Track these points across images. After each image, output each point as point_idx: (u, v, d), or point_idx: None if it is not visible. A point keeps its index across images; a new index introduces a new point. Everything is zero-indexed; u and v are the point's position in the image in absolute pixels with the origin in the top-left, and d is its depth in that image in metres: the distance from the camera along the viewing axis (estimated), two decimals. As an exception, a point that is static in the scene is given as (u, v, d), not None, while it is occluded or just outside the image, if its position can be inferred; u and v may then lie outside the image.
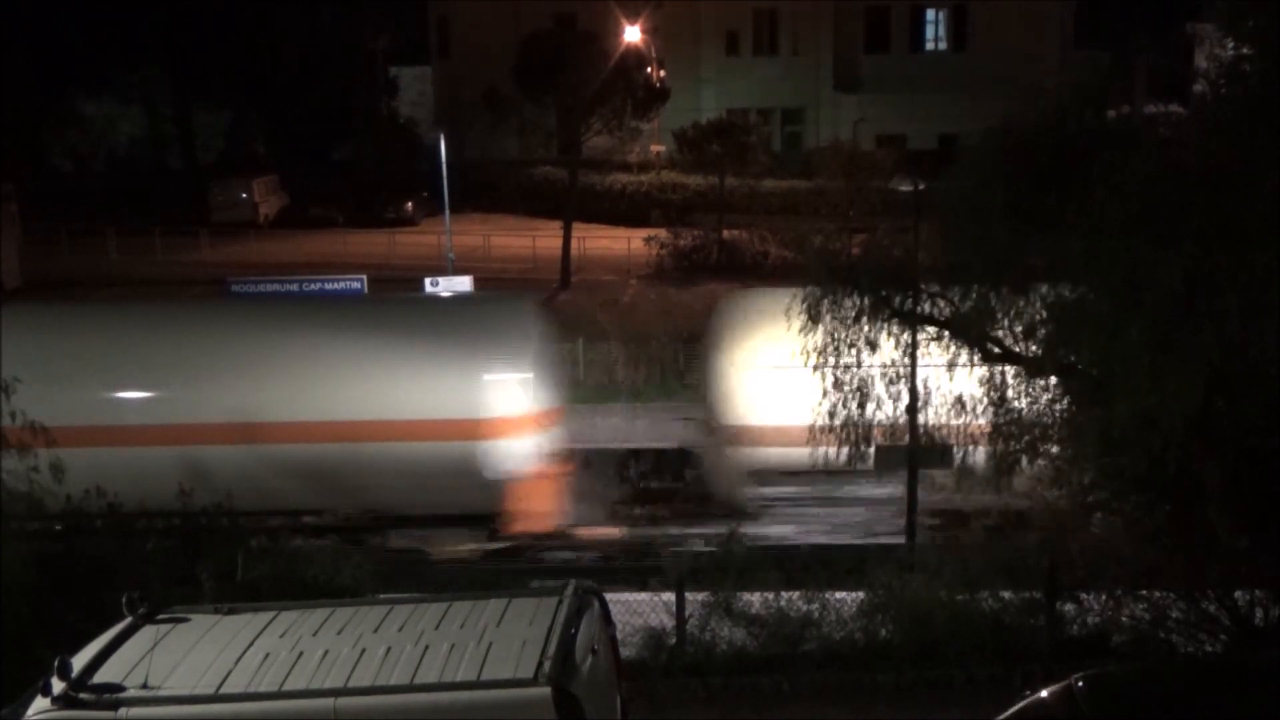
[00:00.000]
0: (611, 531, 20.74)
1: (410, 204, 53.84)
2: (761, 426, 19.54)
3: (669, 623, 12.52)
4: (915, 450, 14.81)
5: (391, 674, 7.80)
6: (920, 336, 13.81)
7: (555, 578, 12.21)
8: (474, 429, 19.21)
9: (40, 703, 7.65)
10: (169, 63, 67.43)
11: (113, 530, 13.10)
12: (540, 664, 7.69)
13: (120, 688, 7.73)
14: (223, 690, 7.74)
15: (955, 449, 13.99)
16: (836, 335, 13.42)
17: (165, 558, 12.43)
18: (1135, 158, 10.71)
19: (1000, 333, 12.29)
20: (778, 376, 19.02)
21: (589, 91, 41.88)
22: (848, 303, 13.25)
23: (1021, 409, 12.22)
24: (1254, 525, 11.01)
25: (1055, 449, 12.08)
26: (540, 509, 19.58)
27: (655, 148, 52.51)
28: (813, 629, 12.64)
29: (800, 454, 18.73)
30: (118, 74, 68.21)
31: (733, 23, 56.31)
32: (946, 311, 13.11)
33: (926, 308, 13.27)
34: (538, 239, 45.83)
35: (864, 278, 13.23)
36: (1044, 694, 8.41)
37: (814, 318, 13.42)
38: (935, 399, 13.83)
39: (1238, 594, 11.66)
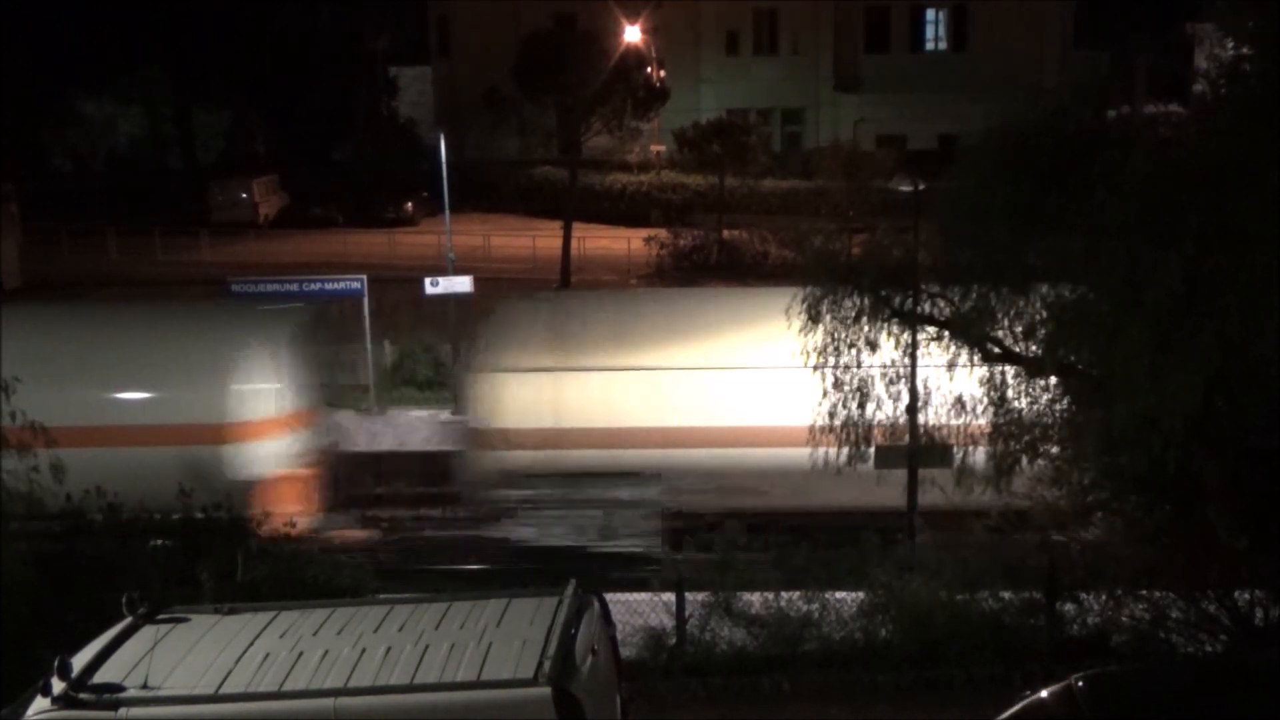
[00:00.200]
0: (360, 534, 20.76)
1: (410, 204, 53.82)
2: (517, 430, 19.62)
3: (669, 623, 12.52)
4: (915, 450, 14.79)
5: (391, 674, 7.80)
6: (920, 336, 13.81)
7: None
8: (215, 433, 19.30)
9: (40, 703, 7.65)
10: (169, 63, 67.33)
11: (112, 530, 13.10)
12: (540, 664, 7.69)
13: (120, 688, 7.74)
14: (223, 690, 7.74)
15: (955, 449, 13.97)
16: (836, 335, 13.41)
17: (165, 558, 12.43)
18: (1135, 158, 10.72)
19: (1000, 333, 12.28)
20: (530, 380, 19.42)
21: (589, 91, 41.86)
22: (848, 303, 13.24)
23: (1021, 409, 12.22)
24: (1254, 525, 11.01)
25: (1055, 449, 12.08)
26: (286, 511, 19.60)
27: (655, 148, 52.50)
28: (813, 629, 12.66)
29: (554, 457, 19.16)
30: (118, 74, 68.10)
31: (733, 23, 56.29)
32: (946, 311, 13.11)
33: (926, 308, 13.26)
34: (538, 239, 45.81)
35: (864, 278, 13.22)
36: (1044, 694, 8.42)
37: (814, 318, 13.42)
38: (935, 399, 13.82)
39: (1238, 594, 11.65)
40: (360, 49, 61.79)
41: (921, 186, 18.20)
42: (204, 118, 71.70)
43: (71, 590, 11.47)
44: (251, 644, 8.27)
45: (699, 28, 55.69)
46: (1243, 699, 8.07)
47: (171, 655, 8.12)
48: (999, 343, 12.38)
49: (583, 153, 45.52)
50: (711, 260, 43.43)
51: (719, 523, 17.92)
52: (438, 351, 30.26)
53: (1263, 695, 8.03)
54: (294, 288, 35.42)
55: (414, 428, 25.63)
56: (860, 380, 13.72)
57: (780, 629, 12.57)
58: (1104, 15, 51.09)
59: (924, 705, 11.80)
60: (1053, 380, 11.95)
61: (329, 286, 35.34)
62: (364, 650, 8.08)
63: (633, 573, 16.29)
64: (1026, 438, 12.13)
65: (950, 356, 13.06)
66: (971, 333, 12.44)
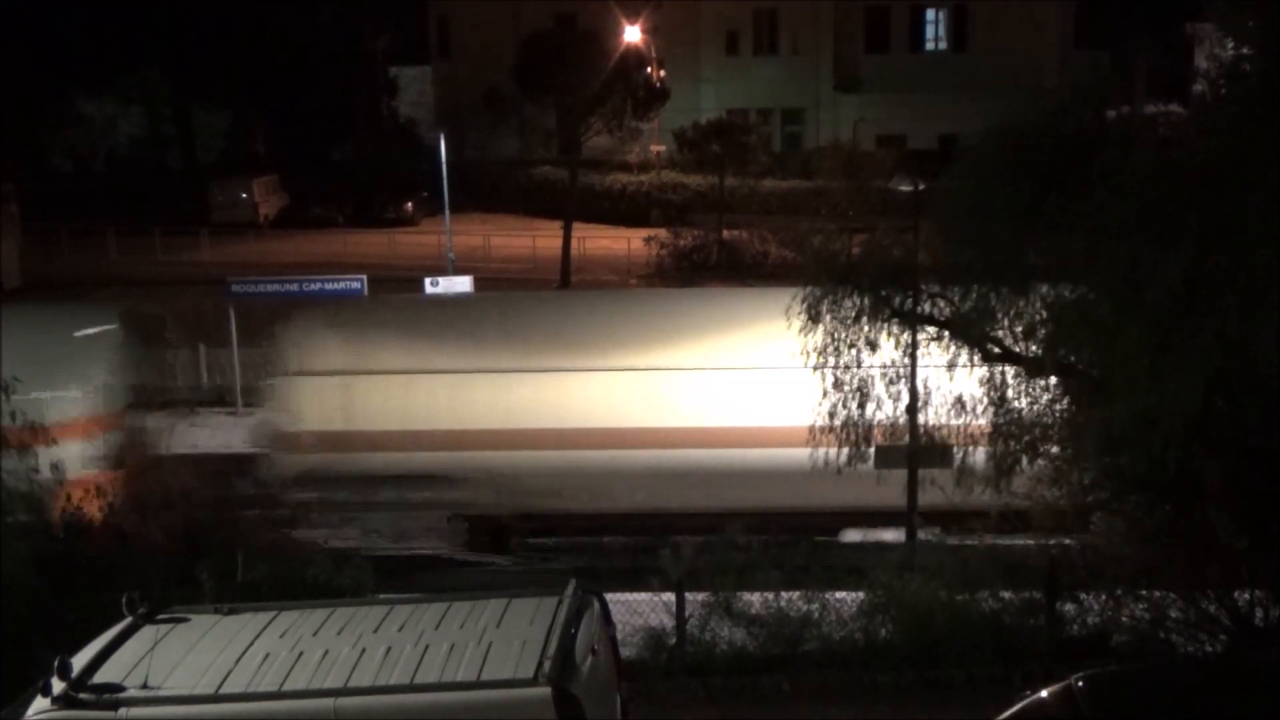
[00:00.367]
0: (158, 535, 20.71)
1: (410, 204, 53.84)
2: (322, 432, 19.49)
3: (669, 623, 12.52)
4: (915, 450, 14.79)
5: (391, 674, 7.81)
6: (920, 336, 13.80)
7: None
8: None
9: (40, 703, 7.65)
10: (169, 63, 67.39)
11: (112, 530, 13.10)
12: (540, 664, 7.70)
13: (120, 688, 7.74)
14: (223, 690, 7.74)
15: (955, 449, 13.97)
16: (836, 335, 13.40)
17: (165, 558, 12.44)
18: (1135, 158, 10.72)
19: (1000, 333, 12.28)
20: (334, 383, 19.31)
21: (589, 91, 41.88)
22: (848, 303, 13.23)
23: (1021, 409, 12.21)
24: (1254, 525, 11.01)
25: (1055, 449, 12.07)
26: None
27: (655, 148, 52.50)
28: (813, 629, 12.65)
29: (359, 459, 19.09)
30: (118, 74, 68.13)
31: (733, 23, 56.30)
32: (946, 311, 13.10)
33: (926, 308, 13.25)
34: (538, 239, 45.82)
35: (864, 278, 13.20)
36: (1044, 694, 8.42)
37: (814, 318, 13.40)
38: (935, 399, 13.82)
39: (1238, 594, 11.65)
40: (360, 49, 61.83)
41: (921, 186, 18.19)
42: (204, 118, 71.75)
43: (71, 590, 11.46)
44: (251, 644, 8.27)
45: (699, 28, 55.69)
46: (1243, 699, 8.07)
47: (171, 655, 8.12)
48: (999, 343, 12.37)
49: (583, 153, 45.53)
50: (711, 260, 43.44)
51: (508, 525, 18.30)
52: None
53: (1263, 695, 8.03)
54: (294, 287, 35.50)
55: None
56: (860, 380, 13.71)
57: (780, 629, 12.57)
58: (1104, 15, 51.07)
59: (924, 705, 11.80)
60: (1053, 380, 11.94)
61: (329, 286, 35.41)
62: (364, 650, 8.08)
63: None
64: (1026, 438, 12.12)
65: (950, 356, 13.05)
66: (971, 333, 12.44)
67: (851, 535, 18.51)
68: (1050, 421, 12.02)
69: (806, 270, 14.04)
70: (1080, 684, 8.08)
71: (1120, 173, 10.56)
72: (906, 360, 14.15)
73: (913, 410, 14.08)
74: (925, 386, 13.96)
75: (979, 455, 13.18)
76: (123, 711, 7.57)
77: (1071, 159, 11.21)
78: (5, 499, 12.25)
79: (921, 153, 42.99)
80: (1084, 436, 11.27)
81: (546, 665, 7.66)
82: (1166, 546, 11.53)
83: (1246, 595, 11.66)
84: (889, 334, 13.47)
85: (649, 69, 47.37)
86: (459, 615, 8.55)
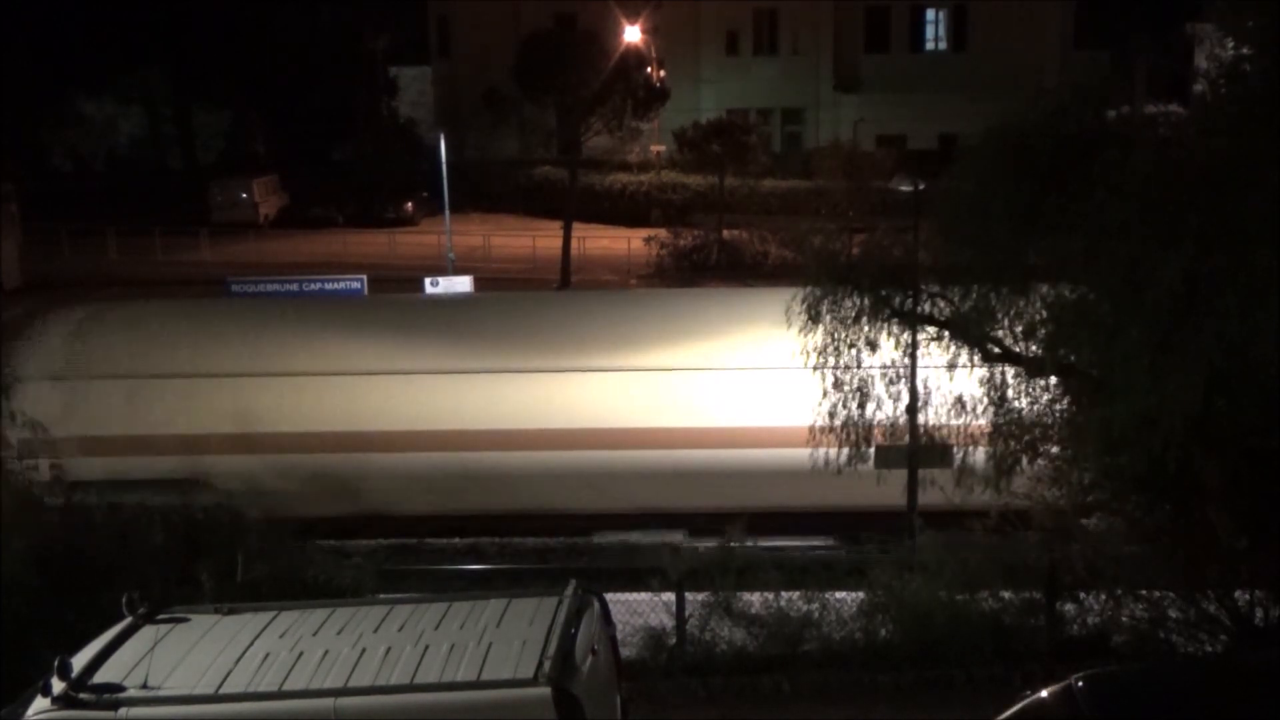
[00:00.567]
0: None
1: (410, 204, 53.85)
2: (82, 437, 19.05)
3: (669, 623, 12.52)
4: (915, 450, 14.79)
5: (391, 674, 7.81)
6: (920, 336, 13.79)
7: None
8: None
9: (40, 703, 7.66)
10: (169, 63, 67.44)
11: (112, 530, 13.09)
12: (540, 664, 7.70)
13: (120, 688, 7.74)
14: (223, 690, 7.74)
15: (955, 449, 13.97)
16: (836, 335, 13.39)
17: (165, 558, 12.43)
18: (1135, 158, 10.71)
19: (1000, 333, 12.27)
20: (98, 387, 19.01)
21: (589, 91, 41.87)
22: (848, 303, 13.22)
23: (1021, 409, 12.20)
24: (1254, 525, 11.01)
25: (1055, 449, 12.07)
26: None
27: (655, 148, 52.51)
28: (813, 629, 12.65)
29: (109, 464, 18.68)
30: (118, 74, 68.18)
31: (733, 23, 56.32)
32: (946, 311, 13.09)
33: (926, 308, 13.25)
34: (538, 239, 45.82)
35: (864, 278, 13.20)
36: (1044, 694, 8.42)
37: (814, 318, 13.40)
38: (935, 399, 13.81)
39: (1238, 594, 11.65)
40: (360, 49, 61.82)
41: (921, 186, 18.18)
42: (204, 118, 71.79)
43: (71, 590, 11.47)
44: (251, 644, 8.27)
45: (699, 28, 55.71)
46: (1243, 699, 8.07)
47: (171, 655, 8.12)
48: (999, 343, 12.37)
49: (583, 153, 45.52)
50: (711, 260, 43.45)
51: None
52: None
53: (1263, 695, 8.03)
54: (294, 287, 35.57)
55: None
56: (860, 380, 13.70)
57: (780, 629, 12.57)
58: (1104, 15, 51.09)
59: (924, 705, 11.80)
60: (1053, 380, 11.93)
61: (329, 286, 35.48)
62: (364, 650, 8.08)
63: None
64: (1026, 438, 12.12)
65: (950, 356, 13.05)
66: (971, 333, 12.43)
67: (609, 537, 18.61)
68: (1050, 421, 12.01)
69: (806, 270, 14.02)
70: (1080, 684, 8.08)
71: (1120, 173, 10.55)
72: (906, 360, 14.14)
73: (913, 410, 14.07)
74: (925, 386, 13.96)
75: (979, 455, 13.18)
76: (123, 711, 7.58)
77: (1071, 159, 11.20)
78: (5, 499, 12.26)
79: (921, 153, 43.04)
80: (1084, 436, 11.26)
81: (546, 665, 7.67)
82: (1166, 546, 11.53)
83: (1246, 595, 11.65)
84: (889, 334, 13.46)
85: (649, 69, 47.38)
86: (459, 615, 8.55)
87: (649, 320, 20.41)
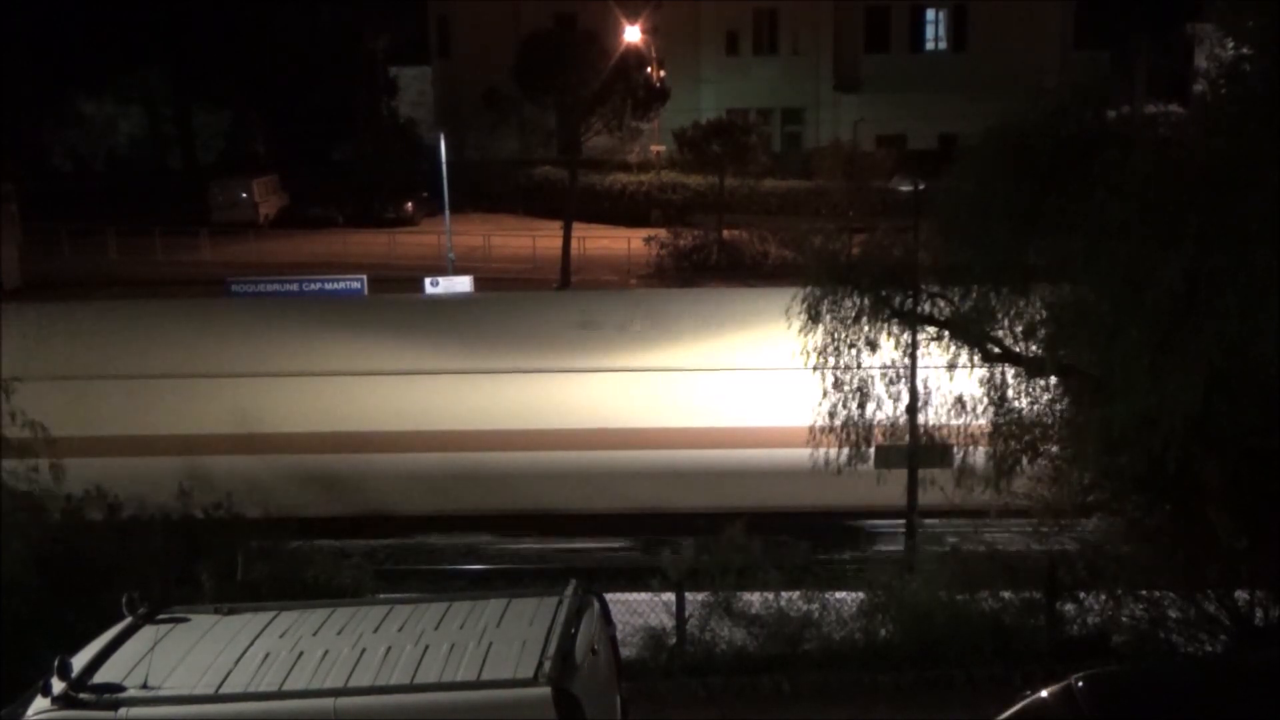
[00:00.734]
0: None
1: (410, 204, 53.86)
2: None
3: (669, 623, 12.52)
4: (915, 450, 14.79)
5: (391, 674, 7.80)
6: (920, 336, 13.79)
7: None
8: None
9: (40, 703, 7.65)
10: (169, 63, 67.42)
11: (113, 530, 13.10)
12: (540, 664, 7.69)
13: (120, 688, 7.74)
14: (223, 690, 7.74)
15: (955, 449, 13.97)
16: (836, 335, 13.39)
17: (165, 558, 12.43)
18: (1135, 158, 10.71)
19: (1000, 333, 12.27)
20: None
21: (589, 91, 41.91)
22: (848, 303, 13.21)
23: (1021, 409, 12.21)
24: (1254, 525, 11.01)
25: (1055, 449, 12.07)
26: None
27: (655, 148, 52.52)
28: (813, 629, 12.65)
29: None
30: (118, 74, 68.18)
31: (733, 23, 56.32)
32: (946, 311, 13.09)
33: (926, 308, 13.24)
34: (538, 239, 45.84)
35: (864, 278, 13.19)
36: (1044, 694, 8.40)
37: (814, 318, 13.39)
38: (935, 399, 13.81)
39: (1238, 594, 11.65)
40: (360, 49, 61.78)
41: (921, 186, 18.19)
42: (204, 118, 71.77)
43: (71, 590, 11.46)
44: (251, 644, 8.27)
45: (699, 28, 55.71)
46: (1243, 699, 8.06)
47: (171, 655, 8.12)
48: (999, 343, 12.37)
49: (583, 153, 45.54)
50: (711, 260, 43.46)
51: None
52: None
53: (1263, 695, 8.03)
54: (294, 288, 35.59)
55: None
56: (860, 380, 13.70)
57: (780, 629, 12.57)
58: (1104, 15, 51.11)
59: (924, 705, 11.79)
60: (1053, 380, 11.93)
61: (329, 286, 35.51)
62: (364, 650, 8.08)
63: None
64: (1026, 438, 12.12)
65: (950, 356, 13.05)
66: (971, 333, 12.43)
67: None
68: (1050, 421, 12.01)
69: (806, 270, 14.01)
70: (1080, 684, 8.07)
71: (1120, 173, 10.55)
72: (906, 360, 14.14)
73: (913, 410, 14.06)
74: (925, 386, 13.94)
75: (979, 455, 13.17)
76: (123, 711, 7.57)
77: (1071, 159, 11.20)
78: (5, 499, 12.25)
79: (921, 153, 43.07)
80: (1084, 436, 11.26)
81: (546, 665, 7.66)
82: (1166, 546, 11.53)
83: (1246, 595, 11.66)
84: (889, 334, 13.45)
85: (649, 69, 47.40)
86: (459, 615, 8.54)
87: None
